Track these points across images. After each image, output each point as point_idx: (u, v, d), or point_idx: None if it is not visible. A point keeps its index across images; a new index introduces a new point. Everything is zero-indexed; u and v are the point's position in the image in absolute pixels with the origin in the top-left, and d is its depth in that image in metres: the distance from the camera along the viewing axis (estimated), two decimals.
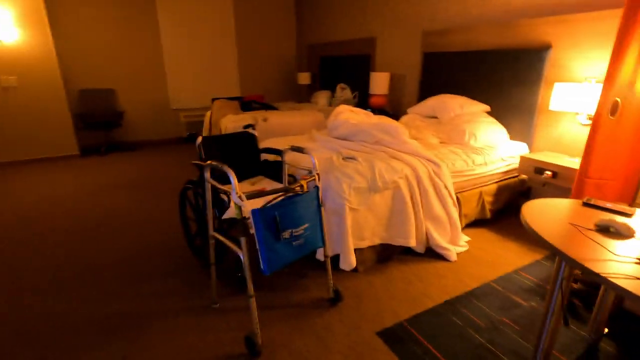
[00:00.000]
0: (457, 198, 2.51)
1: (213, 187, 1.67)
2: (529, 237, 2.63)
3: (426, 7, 3.88)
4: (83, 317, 1.83)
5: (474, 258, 2.36)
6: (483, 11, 3.30)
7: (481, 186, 2.72)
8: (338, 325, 1.76)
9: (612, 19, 2.36)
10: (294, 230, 1.56)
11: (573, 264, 1.02)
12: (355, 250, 2.13)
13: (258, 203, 1.99)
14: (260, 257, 1.49)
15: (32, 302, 1.94)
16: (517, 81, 2.98)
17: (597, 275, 0.94)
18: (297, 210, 1.57)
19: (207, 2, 5.65)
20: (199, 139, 2.14)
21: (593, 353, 1.56)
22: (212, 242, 1.78)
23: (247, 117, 4.39)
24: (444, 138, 3.00)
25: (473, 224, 2.80)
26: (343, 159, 2.27)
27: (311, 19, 6.11)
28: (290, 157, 2.34)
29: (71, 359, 1.56)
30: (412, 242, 2.25)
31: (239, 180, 2.35)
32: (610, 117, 1.84)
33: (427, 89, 3.89)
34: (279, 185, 2.24)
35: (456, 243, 2.44)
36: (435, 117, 3.44)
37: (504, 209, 2.95)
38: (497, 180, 2.82)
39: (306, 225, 1.61)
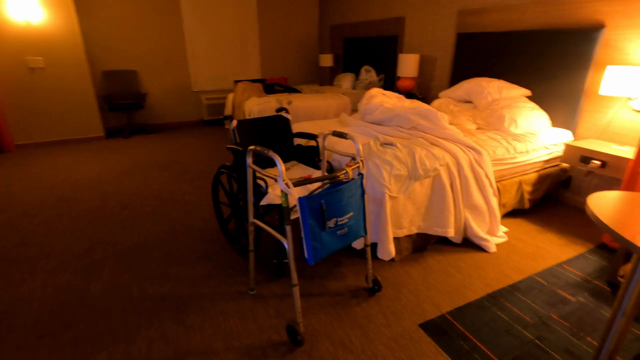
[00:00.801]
0: (497, 187, 2.41)
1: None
2: (570, 229, 2.52)
3: None
4: (118, 300, 1.84)
5: (513, 249, 2.28)
6: None
7: (521, 175, 2.60)
8: (378, 316, 1.73)
9: None
10: (338, 219, 1.51)
11: None
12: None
13: (300, 190, 1.95)
14: (305, 246, 1.45)
15: (66, 283, 1.96)
16: (562, 64, 2.80)
17: None
18: (342, 198, 1.51)
19: None
20: (234, 123, 2.08)
21: None
22: (252, 229, 1.74)
23: (271, 100, 4.31)
24: (481, 124, 2.87)
25: (510, 214, 2.70)
26: (381, 144, 2.18)
27: None
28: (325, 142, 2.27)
29: (108, 343, 1.57)
30: (451, 232, 2.18)
31: (272, 166, 2.30)
32: None
33: (460, 72, 3.72)
34: (312, 171, 2.18)
35: (494, 234, 2.35)
36: (470, 102, 3.30)
37: (541, 199, 2.83)
38: (538, 169, 2.69)
39: (351, 214, 1.56)
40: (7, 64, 4.15)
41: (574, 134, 2.80)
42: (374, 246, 2.12)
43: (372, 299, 1.84)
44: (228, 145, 2.05)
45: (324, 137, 1.88)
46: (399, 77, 4.37)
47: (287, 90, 5.15)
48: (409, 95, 4.17)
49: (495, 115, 2.79)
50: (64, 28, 4.30)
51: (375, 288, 1.86)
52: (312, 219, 1.42)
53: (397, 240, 2.11)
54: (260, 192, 1.90)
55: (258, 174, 1.99)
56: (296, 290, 1.52)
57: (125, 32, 4.98)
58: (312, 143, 2.46)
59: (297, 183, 1.40)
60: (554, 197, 2.97)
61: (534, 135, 2.64)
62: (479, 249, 2.28)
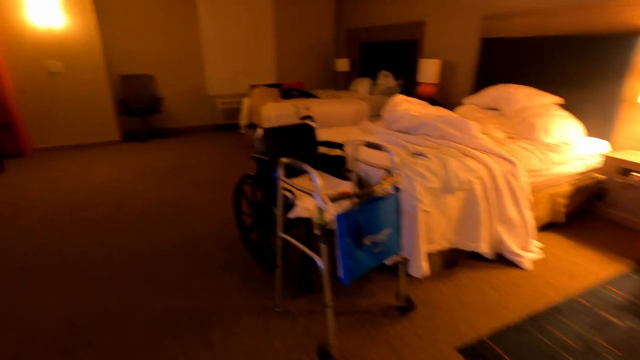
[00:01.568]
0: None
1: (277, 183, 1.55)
2: (609, 245, 2.39)
3: None
4: (138, 314, 1.77)
5: (548, 265, 2.16)
6: None
7: (555, 186, 2.48)
8: (412, 337, 1.63)
9: None
10: (374, 237, 1.43)
11: None
12: None
13: (334, 205, 1.87)
14: (340, 265, 1.37)
15: (86, 296, 1.91)
16: (596, 70, 2.68)
17: None
18: (378, 214, 1.43)
19: None
20: (259, 131, 2.02)
21: None
22: (280, 244, 1.67)
23: (288, 105, 4.26)
24: (510, 132, 2.76)
25: (543, 229, 2.58)
26: (411, 155, 2.10)
27: (352, 3, 5.83)
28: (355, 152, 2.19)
29: None
30: (484, 248, 2.07)
31: (296, 176, 2.23)
32: None
33: (485, 78, 3.61)
34: (339, 182, 2.10)
35: (527, 249, 2.24)
36: (495, 109, 3.19)
37: (576, 213, 2.71)
38: (572, 180, 2.57)
39: (386, 231, 1.48)
40: (28, 68, 4.18)
41: (610, 144, 2.67)
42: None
43: (404, 319, 1.74)
44: (252, 154, 1.98)
45: (355, 147, 1.81)
46: (418, 83, 4.27)
47: (303, 95, 5.09)
48: (430, 101, 4.07)
49: (526, 124, 2.68)
50: (84, 33, 4.31)
51: (407, 307, 1.77)
52: (348, 236, 1.34)
53: (428, 255, 2.01)
54: (287, 204, 1.83)
55: (286, 185, 1.92)
56: (330, 312, 1.44)
57: (142, 37, 4.99)
58: (336, 151, 2.38)
59: (335, 199, 1.32)
60: (587, 209, 2.83)
61: (568, 145, 2.52)
62: (512, 265, 2.17)
